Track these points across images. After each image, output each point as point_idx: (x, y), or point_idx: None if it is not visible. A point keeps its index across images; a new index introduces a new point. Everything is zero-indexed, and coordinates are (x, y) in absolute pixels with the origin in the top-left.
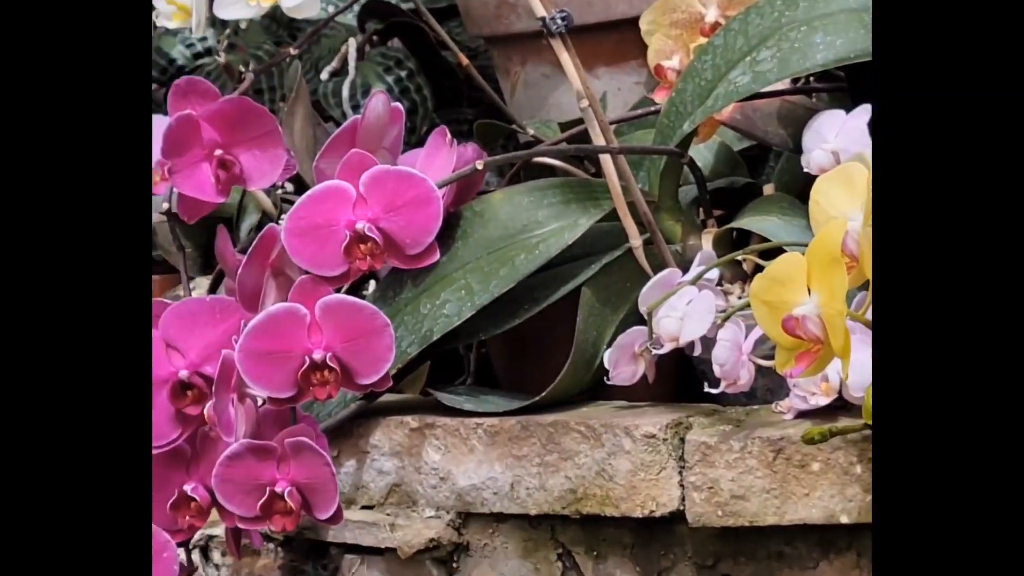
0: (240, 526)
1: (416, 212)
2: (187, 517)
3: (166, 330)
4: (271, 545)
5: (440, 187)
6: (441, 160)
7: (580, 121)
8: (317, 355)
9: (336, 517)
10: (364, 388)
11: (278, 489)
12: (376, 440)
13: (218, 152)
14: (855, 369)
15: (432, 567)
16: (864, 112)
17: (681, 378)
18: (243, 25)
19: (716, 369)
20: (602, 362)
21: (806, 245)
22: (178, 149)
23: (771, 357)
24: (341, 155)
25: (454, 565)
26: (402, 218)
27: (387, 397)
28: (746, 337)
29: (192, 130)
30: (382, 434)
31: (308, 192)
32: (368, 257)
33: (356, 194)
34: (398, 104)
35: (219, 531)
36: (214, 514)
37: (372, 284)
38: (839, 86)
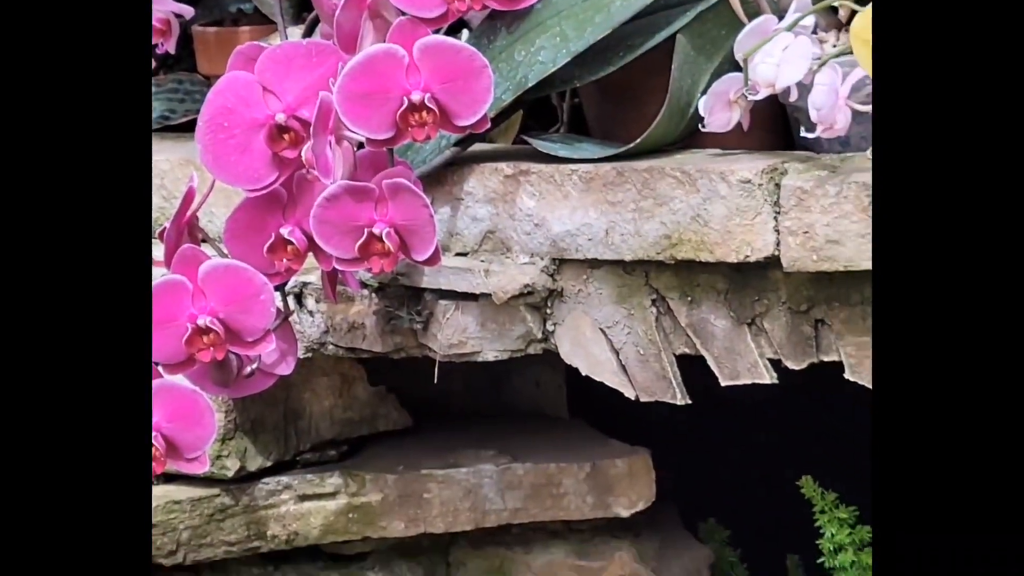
0: (338, 268)
1: None
2: (284, 260)
3: (262, 74)
4: (366, 292)
5: None
6: None
7: None
8: (415, 96)
9: (434, 258)
10: (462, 130)
11: (376, 230)
12: (470, 187)
13: None
14: None
15: (526, 313)
16: None
17: (774, 128)
18: None
19: (813, 114)
20: (696, 111)
21: None
22: None
23: (868, 103)
24: None
25: (548, 311)
26: None
27: (480, 146)
28: (842, 83)
29: None
30: (476, 181)
31: None
32: None
33: None
34: None
35: (314, 278)
36: (308, 261)
37: (465, 33)
38: None
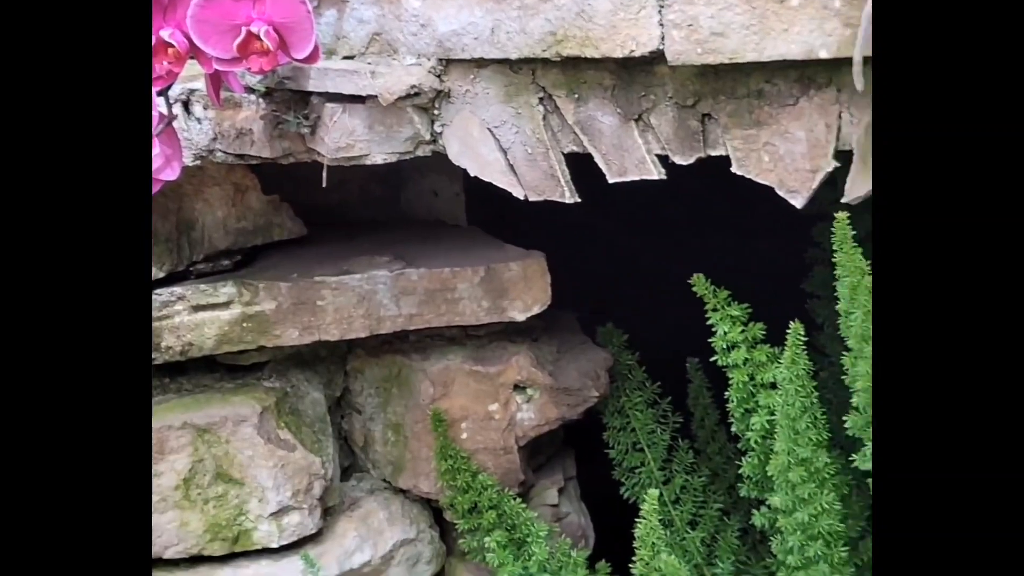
0: (218, 68)
1: None
2: (165, 63)
3: None
4: (252, 97)
5: None
6: None
7: None
8: None
9: (313, 56)
10: None
11: (254, 28)
12: None
13: None
14: None
15: (414, 114)
16: None
17: None
18: None
19: None
20: None
21: None
22: None
23: None
24: None
25: (435, 112)
26: None
27: None
28: None
29: None
30: None
31: None
32: None
33: None
34: None
35: (200, 85)
36: (197, 69)
37: None
38: None
